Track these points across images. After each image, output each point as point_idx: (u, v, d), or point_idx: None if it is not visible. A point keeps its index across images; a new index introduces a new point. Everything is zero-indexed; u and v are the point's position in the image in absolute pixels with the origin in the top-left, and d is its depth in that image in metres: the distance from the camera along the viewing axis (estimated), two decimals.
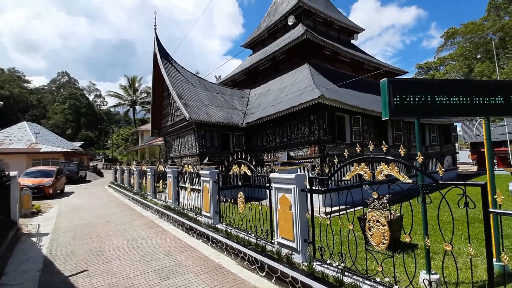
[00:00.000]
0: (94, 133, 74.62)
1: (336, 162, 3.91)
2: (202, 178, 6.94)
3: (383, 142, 3.54)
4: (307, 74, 12.29)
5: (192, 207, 7.96)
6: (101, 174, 34.01)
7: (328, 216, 3.87)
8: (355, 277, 3.29)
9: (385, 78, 3.52)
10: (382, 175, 3.09)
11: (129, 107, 58.54)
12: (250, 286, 3.95)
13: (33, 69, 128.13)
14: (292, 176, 4.09)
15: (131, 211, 10.63)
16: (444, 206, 2.67)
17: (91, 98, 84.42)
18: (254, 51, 20.84)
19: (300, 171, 4.42)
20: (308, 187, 4.08)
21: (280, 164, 4.42)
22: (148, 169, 11.78)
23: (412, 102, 3.45)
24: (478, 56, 46.02)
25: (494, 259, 3.73)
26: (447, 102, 3.45)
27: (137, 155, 40.79)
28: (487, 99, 3.61)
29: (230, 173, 6.00)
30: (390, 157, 3.05)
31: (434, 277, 3.11)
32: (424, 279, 2.88)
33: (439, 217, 2.78)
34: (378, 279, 3.05)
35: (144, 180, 12.93)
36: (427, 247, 3.25)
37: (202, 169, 7.08)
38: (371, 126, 12.12)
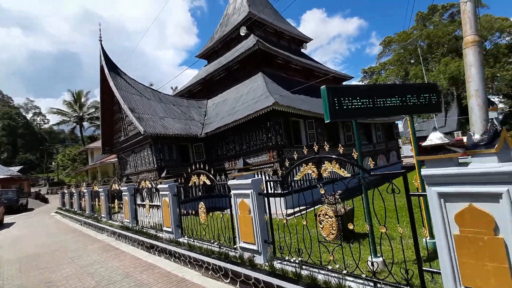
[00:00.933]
0: (35, 155, 66.82)
1: (287, 165, 4.18)
2: (161, 192, 6.76)
3: (339, 144, 3.91)
4: (261, 82, 12.76)
5: (153, 224, 7.66)
6: (45, 200, 30.50)
7: (288, 217, 4.10)
8: (311, 269, 3.54)
9: (324, 85, 3.91)
10: (327, 172, 3.41)
11: (75, 124, 53.69)
12: None
13: None
14: (249, 181, 4.26)
15: (83, 236, 9.79)
16: (399, 196, 2.92)
17: (29, 116, 75.74)
18: (209, 61, 20.93)
19: (262, 176, 4.62)
20: (266, 190, 4.28)
21: (237, 171, 4.57)
22: (101, 189, 11.00)
23: (348, 105, 3.88)
24: (412, 61, 52.18)
25: (428, 238, 4.33)
26: (377, 104, 3.96)
27: (87, 176, 37.48)
28: (408, 99, 4.22)
29: (190, 184, 5.96)
30: (333, 156, 3.40)
31: (379, 259, 3.50)
32: (369, 260, 3.23)
33: (385, 205, 3.17)
34: (330, 267, 3.33)
35: (96, 202, 12.02)
36: (371, 233, 3.66)
37: (160, 183, 6.89)
38: (324, 128, 12.96)
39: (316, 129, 12.21)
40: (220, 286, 4.20)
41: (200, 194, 7.67)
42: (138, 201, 9.08)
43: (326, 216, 3.45)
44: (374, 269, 3.00)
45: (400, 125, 26.83)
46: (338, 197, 5.38)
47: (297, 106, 10.90)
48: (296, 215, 7.64)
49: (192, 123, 13.89)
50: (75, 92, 51.67)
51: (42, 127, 77.36)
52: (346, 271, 3.17)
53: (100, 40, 13.32)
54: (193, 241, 5.72)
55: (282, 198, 9.06)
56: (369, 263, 3.08)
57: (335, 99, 3.83)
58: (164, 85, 57.91)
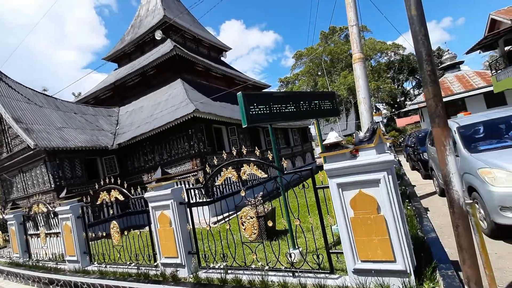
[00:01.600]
0: None
1: (208, 171, 4.15)
2: (60, 216, 5.71)
3: (256, 147, 4.06)
4: (180, 89, 12.35)
5: (52, 255, 6.37)
6: None
7: (213, 224, 4.04)
8: (236, 271, 3.58)
9: (240, 92, 4.07)
10: (246, 174, 3.54)
11: None
12: None
13: None
14: (168, 191, 4.03)
15: None
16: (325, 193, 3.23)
17: None
18: (120, 65, 19.04)
19: (184, 186, 4.41)
20: (188, 200, 4.13)
21: (155, 181, 4.27)
22: None
23: (263, 111, 4.15)
24: (319, 73, 59.78)
25: (335, 225, 4.96)
26: (285, 110, 4.36)
27: None
28: (314, 105, 4.81)
29: (98, 202, 5.23)
30: (252, 159, 3.55)
31: (296, 251, 3.81)
32: (287, 253, 3.48)
33: (298, 202, 3.46)
34: (253, 266, 3.45)
35: None
36: (289, 228, 3.96)
37: (59, 205, 5.81)
38: (246, 134, 13.43)
39: (238, 135, 12.54)
40: None
41: (113, 213, 6.79)
42: (31, 231, 7.43)
43: (248, 217, 3.56)
44: (293, 260, 3.25)
45: (312, 128, 30.16)
46: (260, 198, 5.66)
47: (218, 113, 10.98)
48: (220, 222, 7.63)
49: (100, 133, 12.29)
50: None
51: None
52: (268, 267, 3.34)
53: None
54: (105, 266, 5.02)
55: (207, 207, 8.91)
56: (288, 255, 3.33)
57: (251, 105, 4.04)
58: (61, 90, 49.54)
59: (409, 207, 4.75)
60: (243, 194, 3.56)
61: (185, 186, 5.10)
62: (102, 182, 5.30)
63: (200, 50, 19.14)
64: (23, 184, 11.39)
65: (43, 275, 5.62)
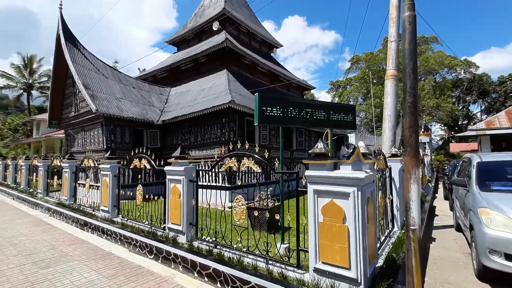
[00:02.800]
0: None
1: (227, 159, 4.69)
2: (102, 172, 6.86)
3: (253, 145, 4.49)
4: (224, 79, 13.15)
5: (91, 203, 7.67)
6: None
7: (228, 208, 4.63)
8: (223, 248, 4.12)
9: (257, 93, 4.51)
10: (245, 167, 4.01)
11: (22, 91, 48.55)
12: (134, 265, 4.35)
13: None
14: (182, 168, 4.71)
15: (13, 210, 9.31)
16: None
17: None
18: (179, 49, 20.68)
19: (206, 167, 5.04)
20: (197, 179, 4.76)
21: (174, 158, 4.98)
22: (40, 164, 10.48)
23: (275, 113, 4.53)
24: (374, 81, 56.62)
25: None
26: (298, 115, 4.67)
27: (29, 149, 34.31)
28: (329, 116, 5.02)
29: (131, 166, 6.20)
30: (251, 154, 4.00)
31: (285, 245, 4.19)
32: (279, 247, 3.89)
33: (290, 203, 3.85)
34: (235, 246, 3.94)
35: (34, 177, 11.39)
36: (282, 224, 4.35)
37: (102, 163, 6.98)
38: (277, 131, 13.79)
39: (270, 130, 12.97)
40: (143, 261, 4.58)
41: (141, 179, 7.84)
42: (80, 180, 8.94)
43: (240, 204, 4.05)
44: (281, 252, 3.63)
45: (353, 138, 29.14)
46: (268, 194, 6.10)
47: (253, 107, 11.51)
48: (229, 209, 8.25)
49: (150, 108, 13.79)
50: (26, 56, 46.70)
51: None
52: (246, 249, 3.80)
53: (60, 7, 12.56)
54: (127, 220, 5.99)
55: (227, 192, 9.61)
56: (265, 245, 3.73)
57: (265, 106, 4.45)
58: (128, 64, 54.98)
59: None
60: (239, 183, 4.04)
61: (204, 167, 5.76)
62: (140, 151, 6.23)
63: (252, 44, 19.79)
64: (83, 140, 13.45)
65: (81, 217, 6.87)
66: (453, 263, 4.43)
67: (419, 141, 18.44)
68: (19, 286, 3.60)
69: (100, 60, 14.18)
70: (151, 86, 16.05)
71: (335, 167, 3.17)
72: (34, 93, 48.93)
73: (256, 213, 5.53)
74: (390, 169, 7.16)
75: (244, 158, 4.00)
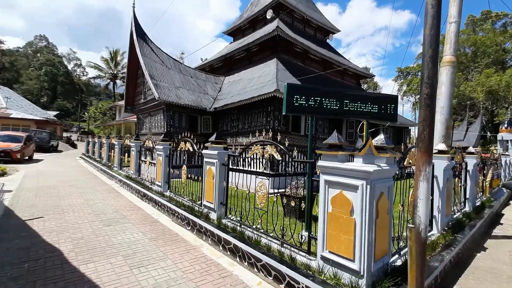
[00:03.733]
0: (71, 103, 72.08)
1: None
2: (157, 152, 7.89)
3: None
4: (273, 68, 13.27)
5: (151, 178, 8.90)
6: (74, 146, 33.74)
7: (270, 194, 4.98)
8: (245, 227, 4.47)
9: (286, 82, 4.60)
10: (268, 153, 4.22)
11: (109, 80, 57.05)
12: (173, 233, 5.06)
13: (8, 29, 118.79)
14: (215, 152, 5.17)
15: (96, 179, 11.40)
16: None
17: (70, 66, 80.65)
18: (234, 39, 21.43)
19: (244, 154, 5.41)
20: (228, 163, 5.17)
21: (210, 143, 5.48)
22: (116, 143, 12.48)
23: (304, 103, 4.56)
24: None
25: None
26: (328, 106, 4.60)
27: (113, 130, 40.47)
28: (362, 106, 4.80)
29: (178, 149, 6.99)
30: (273, 142, 4.17)
31: (306, 233, 4.33)
32: (300, 234, 4.07)
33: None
34: (254, 227, 4.24)
35: (112, 153, 13.61)
36: (307, 212, 4.47)
37: (158, 144, 8.00)
38: (326, 121, 13.41)
39: (317, 120, 12.70)
40: (180, 230, 5.27)
41: (185, 160, 8.65)
42: (142, 158, 10.40)
43: (262, 189, 4.30)
44: (301, 240, 3.80)
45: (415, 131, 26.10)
46: (301, 183, 6.21)
47: None
48: (271, 194, 8.55)
49: (204, 96, 14.86)
50: (112, 50, 54.43)
51: (81, 78, 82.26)
52: (263, 230, 4.07)
53: (133, 7, 14.32)
54: (174, 195, 6.85)
55: (270, 179, 9.98)
56: (298, 235, 3.93)
57: (293, 95, 4.52)
58: (191, 54, 59.06)
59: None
60: (263, 169, 4.28)
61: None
62: (188, 135, 6.98)
63: (306, 31, 19.24)
64: (149, 124, 15.40)
65: (141, 189, 8.09)
66: (496, 275, 3.91)
67: (501, 138, 15.75)
68: (87, 236, 4.60)
69: (165, 53, 15.78)
70: (207, 76, 17.17)
71: (351, 159, 3.14)
72: (118, 82, 57.01)
73: (286, 201, 5.73)
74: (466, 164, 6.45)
75: (267, 145, 4.20)
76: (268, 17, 17.27)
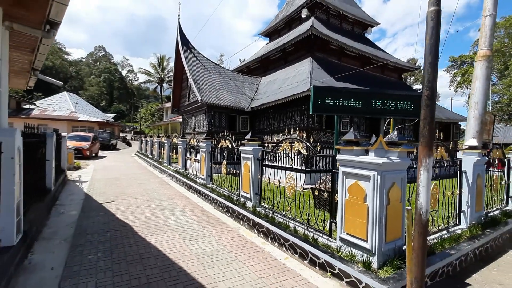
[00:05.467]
0: (125, 106, 79.82)
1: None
2: (200, 149, 8.91)
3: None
4: (308, 67, 13.58)
5: (195, 173, 10.02)
6: (129, 144, 37.73)
7: (303, 189, 5.61)
8: (276, 214, 5.11)
9: (313, 85, 5.10)
10: (296, 149, 4.79)
11: (157, 84, 61.95)
12: (215, 217, 5.91)
13: (73, 41, 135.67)
14: (251, 148, 5.88)
15: (150, 173, 13.03)
16: None
17: (124, 73, 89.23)
18: (271, 40, 22.01)
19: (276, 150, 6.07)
20: (262, 159, 5.85)
21: (246, 140, 6.20)
22: (165, 141, 14.04)
23: (329, 103, 5.02)
24: None
25: None
26: (353, 105, 4.98)
27: (161, 130, 44.11)
28: (387, 105, 5.07)
29: (219, 146, 7.88)
30: (299, 139, 4.71)
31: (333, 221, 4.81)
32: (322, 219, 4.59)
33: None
34: (283, 213, 4.84)
35: (162, 150, 15.29)
36: (330, 203, 4.95)
37: (201, 142, 9.02)
38: (362, 119, 13.31)
39: (351, 118, 12.71)
40: (221, 216, 6.11)
41: (225, 156, 9.47)
42: (188, 154, 11.64)
43: (291, 180, 4.88)
44: (324, 225, 4.34)
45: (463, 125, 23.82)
46: (329, 178, 6.63)
47: None
48: (306, 189, 9.05)
49: (242, 97, 15.77)
50: (159, 56, 58.96)
51: (133, 83, 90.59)
52: (291, 217, 4.65)
53: (178, 18, 15.79)
54: (216, 187, 7.76)
55: (303, 175, 10.45)
56: (321, 221, 4.46)
57: (319, 97, 5.01)
58: (230, 57, 60.98)
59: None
60: (291, 164, 4.86)
61: (284, 152, 6.79)
62: (226, 134, 7.84)
63: (343, 27, 19.00)
64: (193, 124, 16.84)
65: (187, 182, 9.21)
66: None
67: None
68: (148, 217, 5.68)
69: (205, 57, 17.06)
70: (244, 77, 18.07)
71: (366, 153, 3.56)
72: (165, 85, 61.65)
73: (317, 193, 6.21)
74: (509, 160, 6.26)
75: (295, 142, 4.76)
76: (303, 16, 17.51)
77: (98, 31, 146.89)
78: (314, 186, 6.82)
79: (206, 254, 3.93)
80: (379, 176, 3.20)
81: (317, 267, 3.67)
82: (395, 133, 3.50)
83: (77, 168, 13.16)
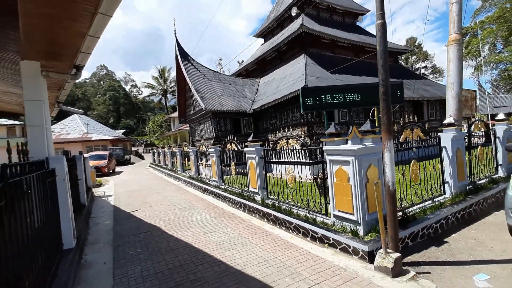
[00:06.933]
0: (133, 121, 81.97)
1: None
2: (210, 154, 9.72)
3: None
4: (302, 64, 14.20)
5: (208, 176, 10.85)
6: (142, 157, 39.14)
7: (308, 180, 6.34)
8: (281, 203, 5.84)
9: (300, 87, 5.79)
10: (291, 145, 5.51)
11: (161, 96, 63.46)
12: (229, 213, 6.71)
13: None
14: (254, 149, 6.62)
15: (166, 182, 13.98)
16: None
17: (127, 88, 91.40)
18: (265, 40, 22.67)
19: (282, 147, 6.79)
20: (265, 156, 6.59)
21: (249, 142, 6.95)
22: (176, 150, 14.95)
23: (315, 101, 5.70)
24: None
25: None
26: (335, 100, 5.64)
27: (171, 140, 45.41)
28: (366, 95, 5.71)
29: (226, 149, 8.65)
30: (295, 136, 5.42)
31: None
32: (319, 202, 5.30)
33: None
34: (287, 201, 5.57)
35: (175, 159, 16.22)
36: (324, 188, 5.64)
37: (210, 147, 9.83)
38: (360, 108, 13.82)
39: (350, 109, 13.25)
40: (235, 211, 6.90)
41: (233, 158, 10.15)
42: (199, 160, 12.49)
43: (290, 172, 5.60)
44: (321, 206, 5.04)
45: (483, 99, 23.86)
46: None
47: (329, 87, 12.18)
48: (309, 180, 9.76)
49: (244, 100, 16.52)
50: (160, 69, 60.37)
51: (137, 97, 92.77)
52: (294, 203, 5.38)
53: (175, 33, 16.67)
54: (227, 187, 8.55)
55: (308, 167, 11.12)
56: (310, 203, 5.17)
57: (306, 97, 5.69)
58: (228, 63, 61.81)
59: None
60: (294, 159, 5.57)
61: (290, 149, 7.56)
62: (230, 137, 8.60)
63: (333, 19, 19.47)
64: (200, 131, 17.71)
65: (202, 185, 10.05)
66: (499, 227, 4.55)
67: None
68: (172, 218, 6.52)
69: (204, 66, 17.89)
70: (244, 80, 18.81)
71: (346, 142, 4.24)
72: (169, 96, 63.11)
73: (319, 182, 6.90)
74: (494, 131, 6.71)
75: (290, 139, 5.48)
76: (293, 14, 18.09)
77: (98, 50, 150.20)
78: (316, 176, 7.53)
79: (224, 241, 4.71)
80: (356, 160, 3.89)
81: (316, 241, 4.39)
82: (368, 122, 4.17)
83: (99, 185, 14.23)
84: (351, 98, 5.59)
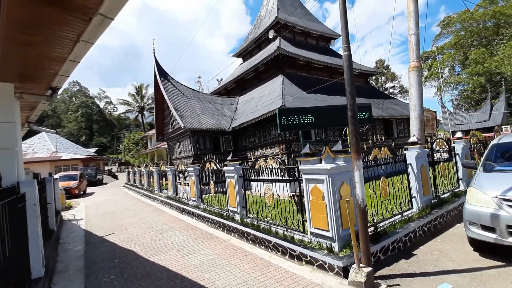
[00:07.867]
0: (107, 138, 78.82)
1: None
2: (189, 173, 9.63)
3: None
4: (280, 84, 14.78)
5: (186, 196, 10.67)
6: (115, 177, 37.45)
7: (286, 197, 6.43)
8: (260, 222, 5.90)
9: (276, 108, 6.07)
10: (267, 163, 5.68)
11: (137, 113, 62.05)
12: (208, 233, 6.63)
13: None
14: (232, 168, 6.71)
15: (142, 203, 13.49)
16: None
17: (102, 105, 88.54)
18: (244, 60, 23.38)
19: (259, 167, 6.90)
20: (244, 175, 6.69)
21: (228, 161, 7.04)
22: (153, 169, 14.60)
23: (290, 122, 5.99)
24: (474, 42, 46.73)
25: None
26: (309, 121, 5.97)
27: (147, 158, 44.06)
28: (338, 116, 6.10)
29: (205, 168, 8.65)
30: (271, 156, 5.62)
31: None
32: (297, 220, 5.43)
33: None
34: (266, 219, 5.66)
35: (151, 179, 15.78)
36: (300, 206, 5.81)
37: (188, 167, 9.76)
38: (335, 130, 14.49)
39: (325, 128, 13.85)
40: (214, 231, 6.83)
41: (212, 177, 10.12)
42: (177, 180, 12.27)
43: (268, 191, 5.73)
44: (298, 224, 5.16)
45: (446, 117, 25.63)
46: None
47: (305, 107, 12.74)
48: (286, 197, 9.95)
49: (223, 118, 16.70)
50: (137, 85, 59.50)
51: (112, 114, 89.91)
52: (272, 221, 5.48)
53: (154, 53, 16.77)
54: (206, 206, 8.47)
55: (287, 184, 11.34)
56: (285, 220, 5.30)
57: (282, 117, 5.97)
58: (208, 81, 62.59)
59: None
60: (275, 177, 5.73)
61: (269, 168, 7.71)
62: (209, 156, 8.63)
63: (308, 42, 20.63)
64: (179, 149, 17.50)
65: (180, 205, 9.84)
66: (460, 237, 4.92)
67: None
68: (149, 242, 6.31)
69: (184, 85, 18.00)
70: (223, 99, 19.10)
71: (320, 161, 4.49)
72: (146, 113, 61.88)
73: (296, 199, 7.06)
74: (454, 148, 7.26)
75: (268, 158, 5.66)
76: (270, 36, 18.98)
77: None
78: (294, 193, 7.72)
79: (203, 263, 4.66)
80: (330, 178, 4.12)
81: (294, 259, 4.49)
82: (340, 142, 4.47)
83: (69, 207, 13.41)
84: (324, 119, 5.95)
